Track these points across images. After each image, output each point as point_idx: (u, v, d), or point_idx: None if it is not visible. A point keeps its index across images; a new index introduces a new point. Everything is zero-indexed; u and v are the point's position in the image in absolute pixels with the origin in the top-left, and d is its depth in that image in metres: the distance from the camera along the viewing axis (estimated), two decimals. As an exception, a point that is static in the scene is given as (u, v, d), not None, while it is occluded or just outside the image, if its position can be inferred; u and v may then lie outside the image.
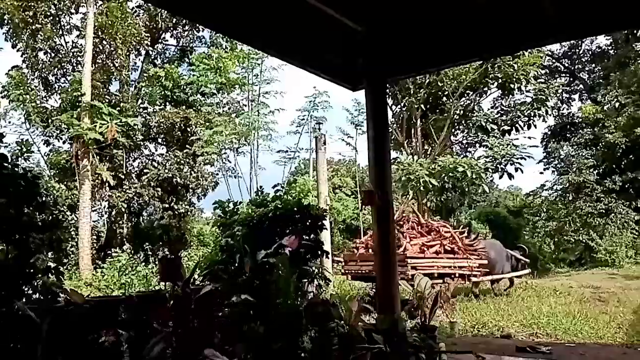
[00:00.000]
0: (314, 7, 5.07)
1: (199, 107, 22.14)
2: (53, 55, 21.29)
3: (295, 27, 5.67)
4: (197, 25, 24.02)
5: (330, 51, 6.24)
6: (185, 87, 22.49)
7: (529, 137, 29.58)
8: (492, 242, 12.99)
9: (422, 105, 20.88)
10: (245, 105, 23.31)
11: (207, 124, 21.12)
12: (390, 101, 21.45)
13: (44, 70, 21.31)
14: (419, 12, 5.53)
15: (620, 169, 25.54)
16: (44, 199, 4.08)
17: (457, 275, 10.65)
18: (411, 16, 5.61)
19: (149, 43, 22.05)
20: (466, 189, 18.57)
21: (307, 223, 5.77)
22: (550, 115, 23.46)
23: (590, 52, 33.46)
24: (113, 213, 20.72)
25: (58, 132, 19.96)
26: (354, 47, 5.96)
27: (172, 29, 25.05)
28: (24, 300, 3.34)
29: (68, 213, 17.81)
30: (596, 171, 25.75)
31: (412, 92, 20.31)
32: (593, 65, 33.41)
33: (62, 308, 3.35)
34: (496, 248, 12.17)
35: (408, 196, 20.21)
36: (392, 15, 5.63)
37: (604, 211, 23.96)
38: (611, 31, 22.02)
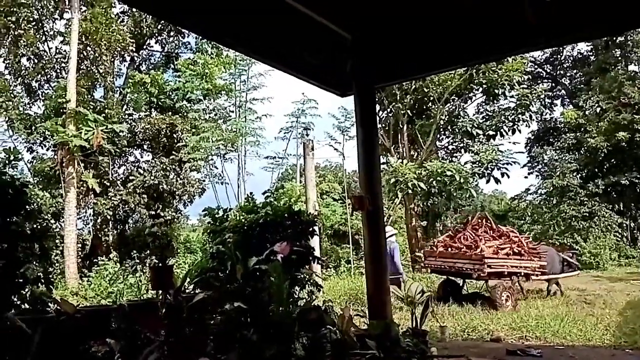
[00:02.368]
0: (303, 14, 5.10)
1: (185, 113, 22.00)
2: (36, 61, 21.07)
3: (284, 34, 5.69)
4: (183, 31, 23.96)
5: (319, 58, 6.27)
6: (171, 93, 22.36)
7: (514, 143, 29.98)
8: (546, 247, 13.95)
9: (409, 111, 21.00)
10: (233, 112, 23.22)
11: (194, 130, 20.99)
12: (377, 107, 21.55)
13: (27, 76, 21.06)
14: (407, 20, 5.59)
15: (603, 172, 26.00)
16: (31, 207, 4.01)
17: (522, 274, 11.85)
18: (399, 24, 5.67)
19: (133, 49, 21.88)
20: (454, 193, 18.68)
21: (298, 229, 5.75)
22: (533, 120, 23.77)
23: (571, 58, 34.08)
24: (98, 221, 20.47)
25: (42, 139, 19.68)
26: (343, 54, 5.99)
27: (157, 35, 24.94)
28: (13, 311, 3.28)
29: (52, 221, 17.57)
30: (579, 175, 26.15)
31: (398, 97, 20.43)
32: (574, 71, 34.00)
33: (53, 318, 3.30)
34: (550, 252, 13.24)
35: (396, 200, 20.30)
36: (380, 23, 5.68)
37: (587, 214, 24.32)
38: (593, 38, 22.46)
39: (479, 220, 13.21)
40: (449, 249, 12.24)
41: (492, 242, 11.95)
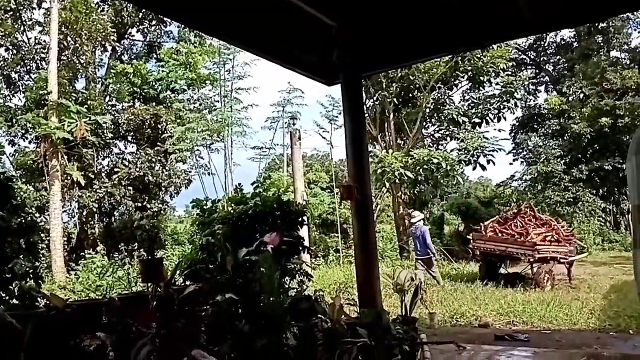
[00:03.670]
0: (288, 2, 5.05)
1: (169, 104, 21.74)
2: (15, 52, 20.63)
3: (269, 22, 5.62)
4: (165, 19, 23.60)
5: (305, 46, 6.22)
6: (154, 83, 22.07)
7: (499, 130, 30.19)
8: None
9: (395, 99, 21.01)
10: (218, 101, 23.01)
11: (179, 120, 20.77)
12: (363, 95, 21.50)
13: (5, 67, 20.64)
14: (393, 7, 5.56)
15: (586, 158, 26.36)
16: (17, 201, 3.95)
17: (558, 258, 12.82)
18: (385, 11, 5.64)
19: (115, 38, 21.51)
20: (440, 181, 18.79)
21: (287, 219, 5.74)
22: (518, 107, 23.97)
23: (554, 44, 34.29)
24: (84, 214, 20.24)
25: (23, 131, 19.33)
26: (329, 43, 5.95)
27: (138, 24, 24.52)
28: (2, 307, 3.24)
29: (37, 215, 17.32)
30: (563, 161, 26.48)
31: (384, 86, 20.41)
32: (558, 57, 34.24)
33: (43, 313, 3.26)
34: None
35: (383, 189, 20.37)
36: (366, 10, 5.64)
37: (571, 200, 24.69)
38: (581, 24, 22.65)
39: (526, 210, 14.30)
40: (500, 234, 13.18)
41: (539, 230, 13.07)
